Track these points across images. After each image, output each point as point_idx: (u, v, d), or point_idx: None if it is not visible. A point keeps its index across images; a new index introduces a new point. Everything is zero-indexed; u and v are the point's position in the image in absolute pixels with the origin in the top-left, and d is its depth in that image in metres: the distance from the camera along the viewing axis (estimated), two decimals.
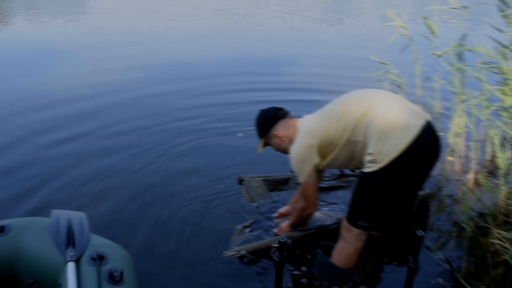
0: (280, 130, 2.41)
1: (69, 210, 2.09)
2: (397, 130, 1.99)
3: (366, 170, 2.05)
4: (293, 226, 2.60)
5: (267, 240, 2.59)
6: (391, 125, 2.00)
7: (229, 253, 2.49)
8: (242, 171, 3.48)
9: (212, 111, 5.05)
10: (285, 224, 2.67)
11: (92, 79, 6.44)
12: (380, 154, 1.98)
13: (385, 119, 2.03)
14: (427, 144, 2.03)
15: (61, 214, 2.03)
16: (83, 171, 3.58)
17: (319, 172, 2.36)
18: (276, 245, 2.42)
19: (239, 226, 2.76)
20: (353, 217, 2.14)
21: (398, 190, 2.07)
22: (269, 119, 2.45)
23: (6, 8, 13.23)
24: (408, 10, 12.04)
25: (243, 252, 2.48)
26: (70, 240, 1.89)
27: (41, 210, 2.94)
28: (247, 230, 2.74)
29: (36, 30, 10.38)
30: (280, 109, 2.48)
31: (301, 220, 2.55)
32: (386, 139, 1.98)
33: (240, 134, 4.33)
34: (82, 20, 11.55)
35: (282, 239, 2.17)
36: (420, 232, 2.12)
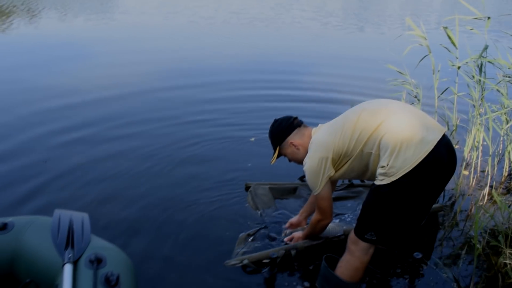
0: (296, 138, 2.36)
1: (71, 210, 2.09)
2: (411, 144, 1.94)
3: (377, 182, 2.02)
4: (307, 237, 2.57)
5: (271, 250, 2.54)
6: (405, 139, 1.96)
7: (231, 262, 2.47)
8: (251, 176, 3.46)
9: (225, 114, 5.04)
10: (298, 234, 2.63)
11: (105, 79, 6.50)
12: (392, 167, 1.95)
13: (399, 132, 1.98)
14: (442, 160, 1.99)
15: (63, 214, 2.03)
16: (90, 171, 3.60)
17: (332, 182, 2.32)
18: (267, 260, 2.40)
19: (242, 234, 2.73)
20: (361, 230, 2.10)
21: (409, 204, 2.02)
22: (284, 128, 2.39)
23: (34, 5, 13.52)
24: (432, 18, 11.87)
25: (245, 261, 2.44)
26: (69, 241, 1.88)
27: (47, 208, 2.94)
28: (250, 238, 2.71)
29: (59, 27, 10.55)
30: (295, 118, 2.44)
31: (316, 232, 2.51)
32: (399, 152, 1.94)
33: (252, 139, 4.30)
34: (104, 19, 11.68)
35: (272, 255, 2.14)
36: (417, 255, 2.07)
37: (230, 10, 12.94)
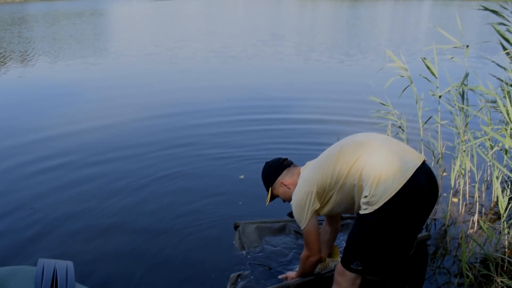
0: (286, 178, 2.43)
1: (55, 259, 2.06)
2: (391, 173, 2.00)
3: (361, 212, 2.06)
4: (299, 275, 2.57)
5: None
6: (385, 168, 2.01)
7: None
8: (241, 213, 3.44)
9: (216, 150, 5.06)
10: (291, 273, 2.64)
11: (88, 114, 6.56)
12: (374, 196, 1.99)
13: (379, 163, 2.04)
14: (421, 186, 2.03)
15: (47, 263, 1.99)
16: (80, 221, 3.55)
17: (332, 218, 2.39)
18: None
19: (233, 275, 2.71)
20: (347, 260, 2.12)
21: (392, 232, 2.04)
22: (274, 169, 2.47)
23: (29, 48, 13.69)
24: (416, 48, 12.13)
25: None
26: None
27: (33, 256, 2.93)
28: (240, 279, 2.68)
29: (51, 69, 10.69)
30: (285, 159, 2.52)
31: (307, 269, 2.50)
32: (379, 181, 1.99)
33: (241, 177, 4.31)
34: (87, 63, 11.86)
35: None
36: None
37: (211, 49, 13.20)
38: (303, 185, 2.25)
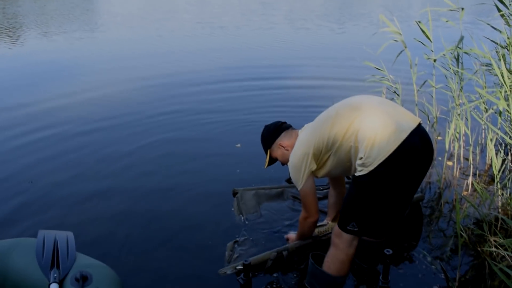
0: (284, 140, 2.46)
1: (56, 230, 2.09)
2: (386, 135, 2.01)
3: (357, 174, 2.09)
4: (298, 238, 2.62)
5: (264, 253, 2.56)
6: (380, 130, 2.03)
7: (225, 270, 2.47)
8: (239, 182, 3.47)
9: (212, 121, 5.06)
10: (292, 235, 2.69)
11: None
12: (369, 157, 2.01)
13: (374, 125, 2.06)
14: (416, 148, 2.05)
15: (48, 234, 2.03)
16: (75, 190, 3.56)
17: (336, 180, 2.42)
18: (240, 267, 2.42)
19: (229, 243, 2.74)
20: (344, 221, 2.15)
21: (387, 193, 2.07)
22: (272, 131, 2.50)
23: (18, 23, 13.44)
24: (411, 12, 11.99)
25: (240, 267, 2.45)
26: (54, 261, 1.88)
27: (31, 228, 2.94)
28: (237, 245, 2.72)
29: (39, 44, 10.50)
30: (284, 122, 2.55)
31: (306, 231, 2.54)
32: (375, 143, 2.01)
33: (238, 145, 4.32)
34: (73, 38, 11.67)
35: (245, 261, 2.18)
36: (388, 251, 2.11)
37: (199, 20, 13.00)
38: (300, 146, 2.29)
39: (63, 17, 14.87)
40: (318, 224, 2.75)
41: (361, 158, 2.04)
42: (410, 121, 2.09)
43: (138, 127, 4.86)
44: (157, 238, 2.91)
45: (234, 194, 3.28)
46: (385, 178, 2.02)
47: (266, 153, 2.55)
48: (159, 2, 19.26)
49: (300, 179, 2.29)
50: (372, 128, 2.04)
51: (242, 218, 3.03)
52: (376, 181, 2.03)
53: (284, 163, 2.52)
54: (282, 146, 2.46)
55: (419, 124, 2.12)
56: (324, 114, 2.29)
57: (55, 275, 1.80)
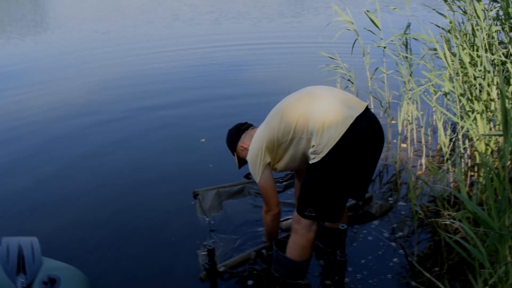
0: (245, 141, 2.51)
1: (19, 236, 2.07)
2: (333, 121, 2.09)
3: (310, 161, 2.16)
4: (269, 236, 2.62)
5: (244, 253, 2.60)
6: (328, 118, 2.10)
7: (203, 274, 2.46)
8: (204, 180, 3.50)
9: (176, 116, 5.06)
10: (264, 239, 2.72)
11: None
12: (319, 145, 2.10)
13: (323, 114, 2.13)
14: (364, 132, 2.13)
15: (11, 241, 2.01)
16: (36, 195, 3.50)
17: (300, 176, 2.44)
18: (205, 252, 2.46)
19: (198, 250, 2.70)
20: (301, 207, 2.23)
21: (340, 177, 2.15)
22: (233, 135, 2.56)
23: None
24: (364, 1, 12.26)
25: (222, 268, 2.46)
26: (20, 266, 1.88)
27: None
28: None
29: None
30: (243, 124, 2.60)
31: (270, 225, 2.54)
32: (323, 131, 2.09)
33: (203, 140, 4.34)
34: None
35: (209, 246, 2.24)
36: (342, 226, 2.22)
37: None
38: (254, 142, 2.37)
39: (16, 21, 14.36)
40: (286, 217, 2.83)
41: (313, 146, 2.12)
42: (356, 106, 2.17)
43: (97, 127, 4.81)
44: (122, 238, 2.91)
45: (195, 195, 3.29)
46: (336, 163, 2.10)
47: (234, 156, 2.61)
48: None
49: (257, 173, 2.35)
50: (321, 116, 2.12)
51: (207, 219, 3.05)
52: (328, 167, 2.11)
53: None
54: (243, 147, 2.51)
55: (367, 108, 2.20)
56: (274, 109, 2.36)
57: (22, 280, 1.80)
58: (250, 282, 2.46)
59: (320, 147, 2.09)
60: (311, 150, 2.13)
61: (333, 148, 2.07)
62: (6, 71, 7.94)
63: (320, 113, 2.13)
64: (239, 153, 2.56)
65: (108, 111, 5.30)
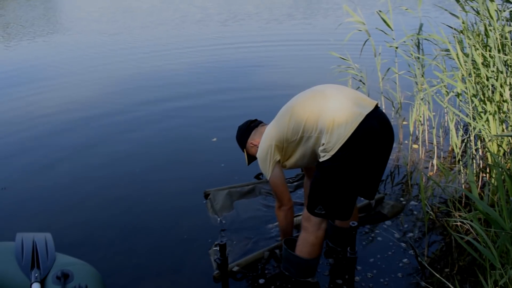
0: (255, 138, 2.52)
1: (33, 232, 2.11)
2: (343, 119, 2.10)
3: (320, 160, 2.17)
4: (284, 233, 2.60)
5: (257, 252, 2.62)
6: (338, 117, 2.11)
7: (216, 272, 2.48)
8: (215, 180, 3.52)
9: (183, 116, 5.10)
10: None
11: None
12: (329, 143, 2.11)
13: (333, 112, 2.14)
14: (373, 129, 2.13)
15: (26, 237, 2.05)
16: (50, 194, 3.56)
17: (310, 174, 2.45)
18: (216, 248, 2.47)
19: (210, 250, 2.72)
20: (311, 205, 2.24)
21: (350, 175, 2.16)
22: (243, 132, 2.57)
23: None
24: (374, 2, 12.22)
25: (235, 268, 2.48)
26: (34, 261, 1.91)
27: (7, 233, 2.92)
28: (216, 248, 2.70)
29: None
30: (254, 121, 2.61)
31: (283, 221, 2.54)
32: (333, 129, 2.10)
33: (214, 139, 4.36)
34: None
35: (221, 242, 2.26)
36: (353, 223, 2.23)
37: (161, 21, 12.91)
38: (264, 140, 2.38)
39: (29, 24, 14.54)
40: (297, 214, 2.83)
41: (323, 144, 2.13)
42: (366, 105, 2.18)
43: (110, 127, 4.86)
44: (134, 235, 2.94)
45: (206, 195, 3.31)
46: (346, 161, 2.11)
47: (244, 153, 2.62)
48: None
49: (267, 170, 2.36)
50: (330, 114, 2.13)
51: (218, 218, 3.06)
52: (338, 165, 2.12)
53: None
54: (253, 144, 2.52)
55: (376, 107, 2.20)
56: (285, 106, 2.37)
57: (36, 274, 1.83)
58: (261, 281, 2.47)
59: (330, 145, 2.10)
60: (321, 148, 2.14)
61: (343, 146, 2.08)
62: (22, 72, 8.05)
63: (330, 112, 2.14)
64: (248, 149, 2.57)
65: (123, 112, 5.34)
